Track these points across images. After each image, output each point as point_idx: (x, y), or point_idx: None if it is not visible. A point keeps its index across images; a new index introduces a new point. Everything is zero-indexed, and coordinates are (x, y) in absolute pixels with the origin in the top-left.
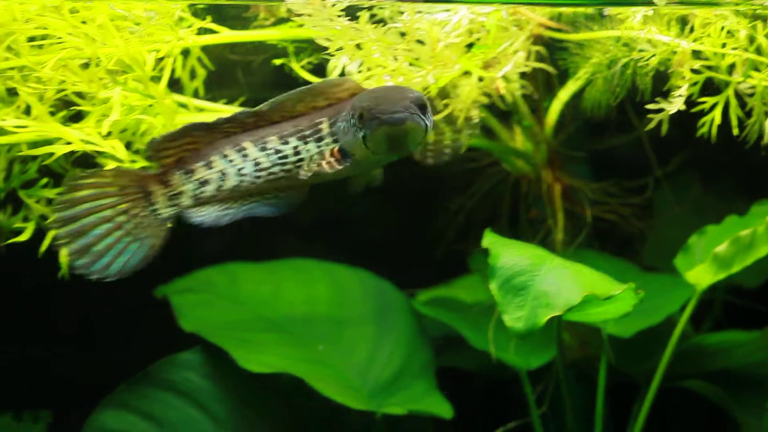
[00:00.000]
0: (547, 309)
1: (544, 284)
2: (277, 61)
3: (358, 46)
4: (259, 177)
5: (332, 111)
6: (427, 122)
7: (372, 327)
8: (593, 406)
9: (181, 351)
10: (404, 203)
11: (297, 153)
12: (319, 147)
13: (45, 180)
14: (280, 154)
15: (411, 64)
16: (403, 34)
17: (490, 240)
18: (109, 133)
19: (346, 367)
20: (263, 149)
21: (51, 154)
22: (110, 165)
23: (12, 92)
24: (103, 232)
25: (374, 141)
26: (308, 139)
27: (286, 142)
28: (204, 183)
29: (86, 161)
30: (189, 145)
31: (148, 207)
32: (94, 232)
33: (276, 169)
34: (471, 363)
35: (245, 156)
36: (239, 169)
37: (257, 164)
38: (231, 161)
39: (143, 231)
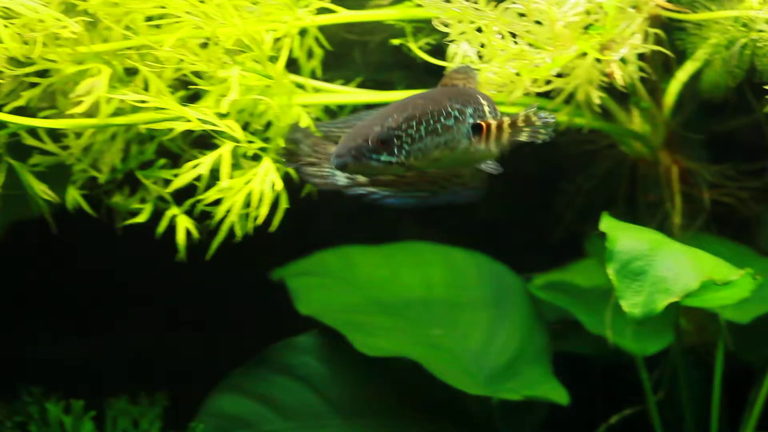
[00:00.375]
0: (665, 294)
1: (662, 269)
2: (395, 41)
3: (478, 29)
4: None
5: None
6: (381, 160)
7: (488, 311)
8: (710, 393)
9: (298, 334)
10: (521, 186)
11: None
12: None
13: (162, 161)
14: None
15: (530, 45)
16: (522, 15)
17: (607, 224)
18: (226, 114)
19: (462, 352)
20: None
21: (168, 135)
22: (227, 145)
23: (130, 72)
24: None
25: None
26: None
27: None
28: None
29: (204, 142)
30: None
31: None
32: None
33: None
34: (587, 348)
35: None
36: None
37: None
38: None
39: None
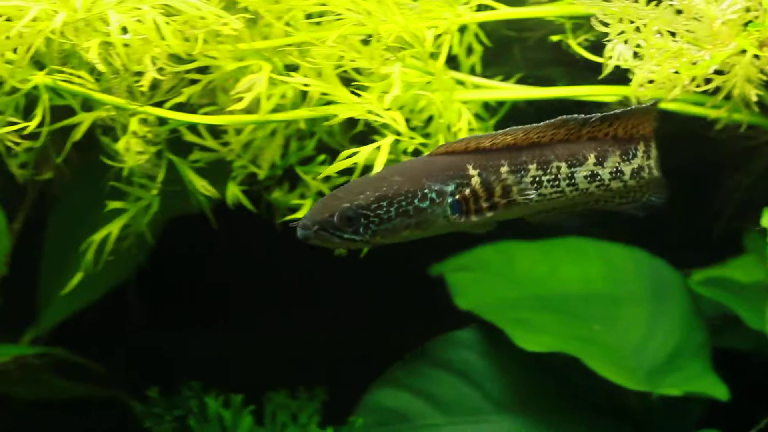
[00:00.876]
0: None
1: None
2: (554, 38)
3: (637, 28)
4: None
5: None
6: (344, 237)
7: (647, 306)
8: None
9: (457, 329)
10: (680, 182)
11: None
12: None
13: (322, 157)
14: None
15: (688, 43)
16: (679, 12)
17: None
18: (388, 109)
19: (621, 347)
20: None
21: (331, 123)
22: (388, 137)
23: (290, 69)
24: None
25: None
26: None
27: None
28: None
29: (364, 138)
30: None
31: None
32: None
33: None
34: (747, 344)
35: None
36: None
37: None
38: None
39: None
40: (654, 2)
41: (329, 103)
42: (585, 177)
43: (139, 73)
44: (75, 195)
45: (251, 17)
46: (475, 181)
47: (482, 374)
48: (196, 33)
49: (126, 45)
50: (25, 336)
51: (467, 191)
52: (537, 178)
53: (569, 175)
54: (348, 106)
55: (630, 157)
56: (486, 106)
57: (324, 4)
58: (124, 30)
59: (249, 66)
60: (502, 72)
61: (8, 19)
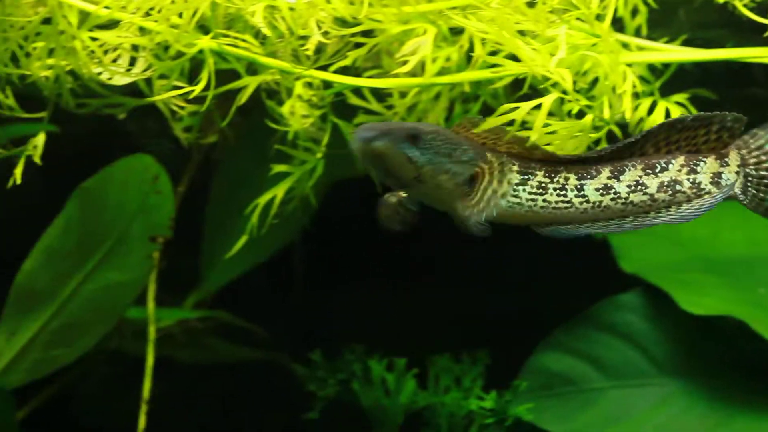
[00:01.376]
0: None
1: None
2: (720, 0)
3: None
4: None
5: None
6: (407, 154)
7: None
8: None
9: (621, 293)
10: None
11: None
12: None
13: None
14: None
15: None
16: None
17: None
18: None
19: None
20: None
21: (494, 96)
22: (551, 96)
23: (455, 32)
24: None
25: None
26: None
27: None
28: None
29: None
30: None
31: None
32: None
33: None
34: None
35: None
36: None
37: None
38: None
39: None
40: None
41: (494, 65)
42: (596, 190)
43: (304, 37)
44: (239, 159)
45: None
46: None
47: (647, 337)
48: None
49: (291, 9)
50: (188, 299)
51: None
52: (542, 184)
53: (578, 186)
54: (517, 64)
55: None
56: (651, 68)
57: None
58: None
59: (414, 29)
60: (667, 34)
61: None
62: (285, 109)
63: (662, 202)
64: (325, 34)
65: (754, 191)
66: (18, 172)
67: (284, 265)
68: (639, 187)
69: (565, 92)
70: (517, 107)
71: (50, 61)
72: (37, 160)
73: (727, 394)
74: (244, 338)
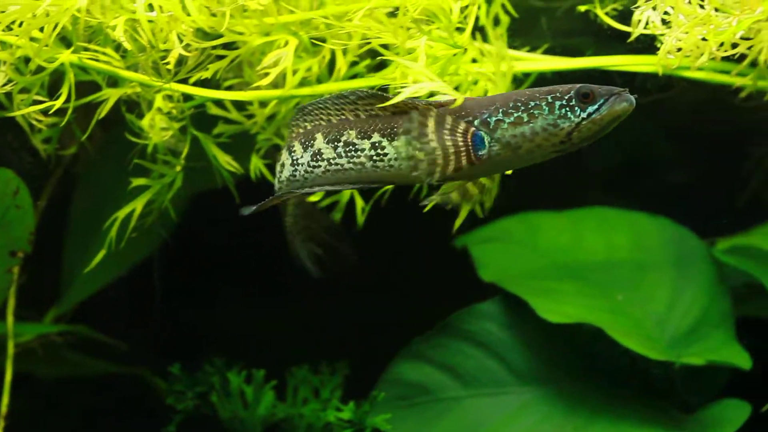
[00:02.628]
0: None
1: None
2: (582, 8)
3: None
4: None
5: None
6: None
7: (671, 275)
8: None
9: (480, 301)
10: (706, 150)
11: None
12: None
13: None
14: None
15: (716, 9)
16: None
17: None
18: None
19: (644, 317)
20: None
21: None
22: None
23: (315, 43)
24: None
25: (602, 121)
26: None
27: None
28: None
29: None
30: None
31: None
32: None
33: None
34: None
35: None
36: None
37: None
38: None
39: None
40: None
41: (354, 76)
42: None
43: (165, 50)
44: (99, 172)
45: None
46: None
47: (505, 346)
48: (222, 8)
49: (151, 22)
50: (48, 314)
51: None
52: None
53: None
54: (380, 75)
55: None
56: (513, 77)
57: None
58: (150, 7)
59: (275, 41)
60: (529, 43)
61: None
62: (145, 122)
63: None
64: (186, 46)
65: None
66: None
67: (144, 279)
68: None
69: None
70: None
71: None
72: None
73: (585, 401)
74: (105, 352)
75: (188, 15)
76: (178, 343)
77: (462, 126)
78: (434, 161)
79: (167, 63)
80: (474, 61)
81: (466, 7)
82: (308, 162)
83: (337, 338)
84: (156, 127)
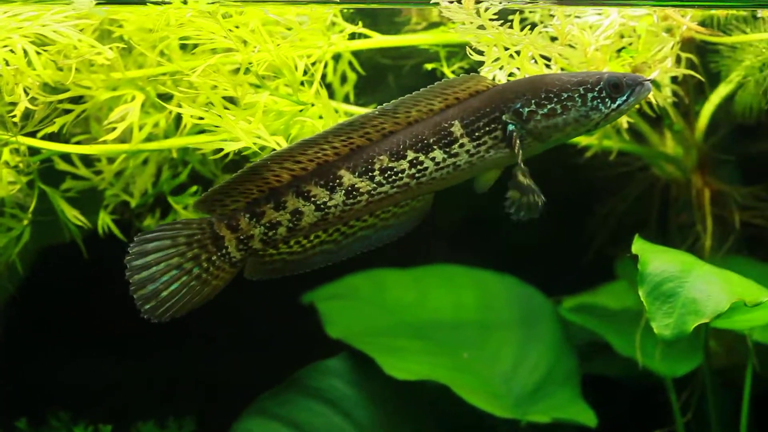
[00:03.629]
0: (695, 316)
1: (693, 291)
2: (429, 66)
3: (512, 54)
4: (356, 203)
5: (461, 110)
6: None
7: (517, 334)
8: (739, 415)
9: (327, 358)
10: (552, 207)
11: (416, 165)
12: (448, 152)
13: (195, 188)
14: (391, 172)
15: (563, 69)
16: (553, 39)
17: (639, 246)
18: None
19: (491, 375)
20: (366, 172)
21: (202, 162)
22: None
23: (163, 98)
24: (169, 279)
25: (627, 109)
26: (433, 147)
27: (402, 157)
28: (274, 225)
29: (235, 167)
30: (258, 186)
31: (218, 252)
32: (162, 279)
33: (386, 188)
34: (616, 370)
35: (335, 186)
36: (322, 203)
37: (354, 191)
38: (312, 197)
39: (213, 274)
40: (527, 29)
41: (202, 131)
42: None
43: (12, 103)
44: None
45: (125, 46)
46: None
47: (352, 402)
48: (69, 62)
49: None
50: None
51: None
52: None
53: None
54: (223, 132)
55: None
56: None
57: (198, 33)
58: None
59: (122, 95)
60: (377, 100)
61: None
62: None
63: None
64: (33, 100)
65: None
66: None
67: None
68: None
69: None
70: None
71: None
72: None
73: None
74: None
75: (34, 69)
76: (23, 397)
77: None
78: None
79: (14, 116)
80: (321, 117)
81: (313, 64)
82: (343, 201)
83: (184, 393)
84: (3, 180)
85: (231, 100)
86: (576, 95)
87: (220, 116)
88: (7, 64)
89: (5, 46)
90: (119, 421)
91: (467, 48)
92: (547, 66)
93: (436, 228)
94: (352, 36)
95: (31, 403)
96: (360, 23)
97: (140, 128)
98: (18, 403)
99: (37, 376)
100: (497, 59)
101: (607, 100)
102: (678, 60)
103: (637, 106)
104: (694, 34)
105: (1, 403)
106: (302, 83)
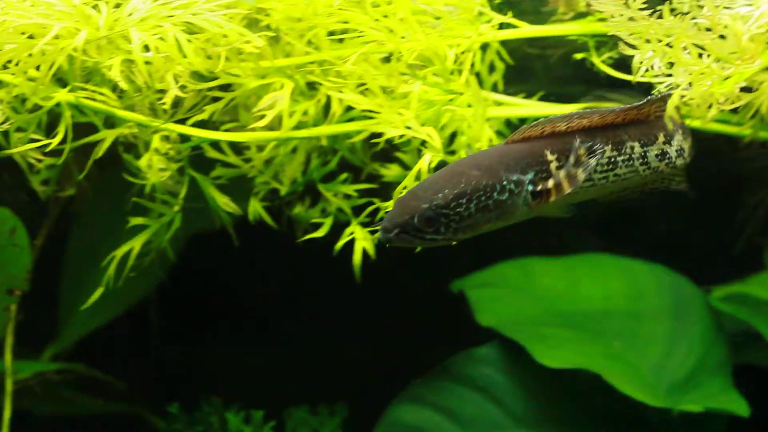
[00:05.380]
0: None
1: None
2: (578, 56)
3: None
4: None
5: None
6: (426, 238)
7: (668, 323)
8: None
9: (478, 346)
10: (702, 197)
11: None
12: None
13: (344, 175)
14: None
15: (717, 60)
16: (707, 29)
17: None
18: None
19: (642, 364)
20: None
21: (351, 150)
22: (426, 157)
23: (312, 86)
24: None
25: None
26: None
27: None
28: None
29: (385, 155)
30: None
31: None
32: None
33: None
34: None
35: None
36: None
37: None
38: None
39: None
40: (678, 18)
41: (351, 119)
42: (656, 155)
43: (162, 91)
44: (96, 211)
45: (273, 35)
46: (554, 166)
47: (503, 390)
48: (218, 51)
49: (148, 62)
50: (46, 352)
51: (549, 172)
52: (612, 159)
53: (642, 154)
54: (373, 120)
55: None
56: (508, 123)
57: (346, 22)
58: (146, 48)
59: (271, 83)
60: (524, 89)
61: (31, 37)
62: (142, 163)
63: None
64: (183, 87)
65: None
66: None
67: (142, 318)
68: (664, 154)
69: (424, 145)
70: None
71: None
72: None
73: None
74: (103, 390)
75: (184, 57)
76: (176, 382)
77: None
78: None
79: (163, 103)
80: (470, 106)
81: (462, 53)
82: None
83: (337, 379)
84: (154, 167)
85: (381, 90)
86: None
87: (378, 106)
88: (158, 51)
89: (156, 35)
90: (271, 406)
91: (619, 41)
92: (700, 56)
93: (584, 217)
94: (501, 26)
95: (183, 388)
96: (509, 13)
97: (290, 116)
98: (170, 387)
99: (188, 361)
100: (651, 53)
101: None
102: None
103: None
104: None
105: (155, 388)
106: (452, 72)
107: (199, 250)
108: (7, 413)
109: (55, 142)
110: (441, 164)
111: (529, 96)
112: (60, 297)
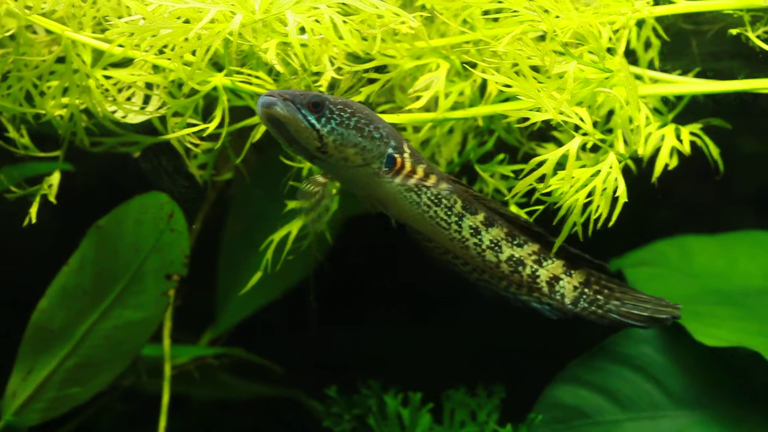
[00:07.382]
0: None
1: None
2: (733, 31)
3: None
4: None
5: None
6: (307, 119)
7: None
8: None
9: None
10: None
11: None
12: None
13: (501, 156)
14: None
15: None
16: None
17: None
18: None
19: None
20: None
21: (507, 130)
22: (576, 139)
23: (466, 67)
24: None
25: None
26: None
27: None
28: None
29: (541, 135)
30: None
31: None
32: None
33: None
34: None
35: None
36: None
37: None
38: None
39: None
40: None
41: (507, 99)
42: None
43: (318, 73)
44: (253, 196)
45: (428, 15)
46: (407, 153)
47: (662, 369)
48: (373, 32)
49: (304, 45)
50: (204, 337)
51: (406, 156)
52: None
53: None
54: (530, 100)
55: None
56: (665, 100)
57: (500, 1)
58: (302, 30)
59: (426, 64)
60: (680, 66)
61: (186, 21)
62: None
63: (501, 272)
64: (338, 70)
65: (586, 305)
66: (33, 211)
67: (299, 301)
68: (496, 246)
69: (579, 127)
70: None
71: (65, 100)
72: (52, 198)
73: (742, 426)
74: (260, 375)
75: (340, 38)
76: (333, 365)
77: None
78: None
79: (319, 86)
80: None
81: (617, 31)
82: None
83: (494, 361)
84: None
85: (535, 69)
86: None
87: (531, 89)
88: (313, 33)
89: (311, 17)
90: (428, 389)
91: None
92: None
93: (743, 194)
94: (656, 2)
95: (341, 372)
96: None
97: (445, 96)
98: (328, 371)
99: (345, 344)
100: None
101: None
102: None
103: None
104: None
105: (315, 373)
106: (608, 50)
107: (357, 233)
108: (166, 398)
109: (212, 126)
110: (596, 147)
111: (684, 72)
112: (217, 281)
